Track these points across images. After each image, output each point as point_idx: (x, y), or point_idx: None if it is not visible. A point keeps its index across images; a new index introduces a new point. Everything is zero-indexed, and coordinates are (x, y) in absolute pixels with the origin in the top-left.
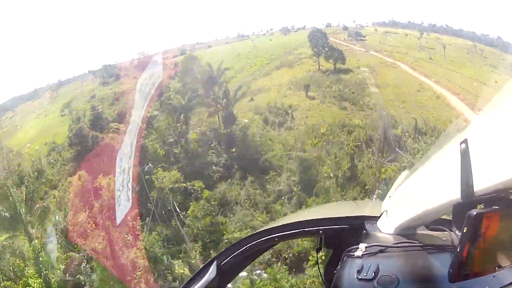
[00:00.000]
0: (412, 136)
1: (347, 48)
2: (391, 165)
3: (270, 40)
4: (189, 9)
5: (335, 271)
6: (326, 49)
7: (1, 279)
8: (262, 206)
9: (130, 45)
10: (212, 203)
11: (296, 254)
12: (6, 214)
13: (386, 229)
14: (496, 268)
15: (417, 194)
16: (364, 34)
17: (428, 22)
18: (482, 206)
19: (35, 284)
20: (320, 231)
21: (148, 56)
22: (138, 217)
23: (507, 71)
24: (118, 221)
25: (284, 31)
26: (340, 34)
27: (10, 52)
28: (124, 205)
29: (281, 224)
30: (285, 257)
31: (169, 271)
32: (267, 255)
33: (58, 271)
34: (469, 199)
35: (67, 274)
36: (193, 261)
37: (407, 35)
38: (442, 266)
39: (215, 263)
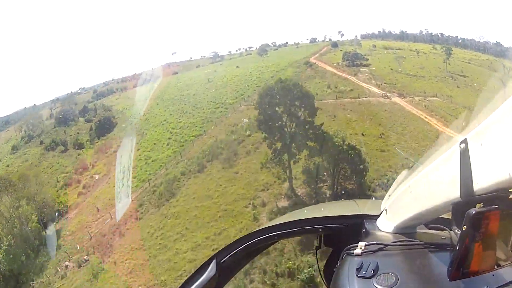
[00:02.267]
0: None
1: (350, 89)
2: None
3: (234, 76)
4: (160, 28)
5: (334, 269)
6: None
7: None
8: None
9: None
10: None
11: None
12: None
13: (385, 228)
14: (495, 266)
15: (416, 193)
16: (363, 54)
17: (421, 31)
18: (482, 205)
19: None
20: (320, 230)
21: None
22: None
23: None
24: (118, 217)
25: (262, 50)
26: (331, 54)
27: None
28: (124, 201)
29: (281, 222)
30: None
31: None
32: (266, 253)
33: None
34: (468, 198)
35: None
36: None
37: (417, 52)
38: (442, 264)
39: (215, 260)
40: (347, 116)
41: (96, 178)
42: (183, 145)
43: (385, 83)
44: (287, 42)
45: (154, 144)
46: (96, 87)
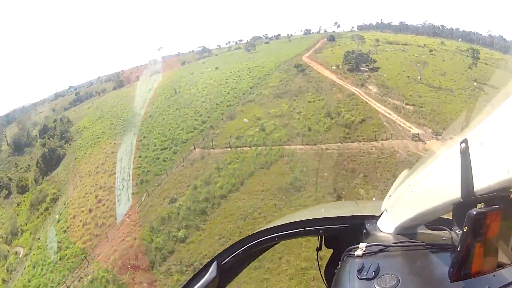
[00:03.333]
0: None
1: (361, 119)
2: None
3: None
4: (146, 20)
5: (335, 271)
6: None
7: None
8: None
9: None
10: None
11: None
12: None
13: (386, 229)
14: (497, 267)
15: (417, 193)
16: (368, 53)
17: (424, 22)
18: (482, 205)
19: None
20: (321, 231)
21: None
22: None
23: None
24: (119, 219)
25: (250, 45)
26: (327, 51)
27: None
28: (124, 203)
29: (281, 223)
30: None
31: None
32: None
33: None
34: (469, 198)
35: None
36: None
37: (429, 50)
38: (443, 265)
39: (215, 262)
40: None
41: (20, 255)
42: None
43: (407, 104)
44: (279, 34)
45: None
46: (80, 87)
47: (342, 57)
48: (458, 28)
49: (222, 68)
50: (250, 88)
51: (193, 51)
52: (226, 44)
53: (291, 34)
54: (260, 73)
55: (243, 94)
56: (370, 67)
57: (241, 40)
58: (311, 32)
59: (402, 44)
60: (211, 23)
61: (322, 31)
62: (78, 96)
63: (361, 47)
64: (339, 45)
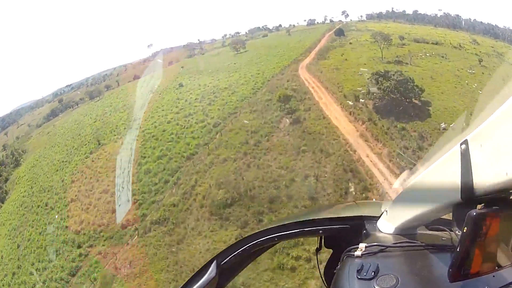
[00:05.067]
0: None
1: None
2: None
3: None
4: (136, 15)
5: (334, 271)
6: None
7: None
8: None
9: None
10: None
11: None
12: None
13: (386, 229)
14: (496, 267)
15: (417, 194)
16: (409, 79)
17: (438, 11)
18: (482, 206)
19: None
20: (320, 231)
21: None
22: None
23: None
24: (118, 220)
25: (238, 43)
26: (337, 54)
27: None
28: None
29: (281, 224)
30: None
31: None
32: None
33: None
34: (469, 199)
35: None
36: None
37: (480, 61)
38: (442, 265)
39: (215, 262)
40: None
41: None
42: None
43: None
44: (280, 25)
45: None
46: (62, 91)
47: (366, 82)
48: (476, 19)
49: (186, 85)
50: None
51: (184, 45)
52: (222, 37)
53: (294, 25)
54: (221, 113)
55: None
56: (415, 101)
57: (238, 33)
58: (316, 22)
59: (432, 44)
60: (206, 14)
61: (328, 21)
62: (48, 113)
63: (389, 51)
64: (350, 43)
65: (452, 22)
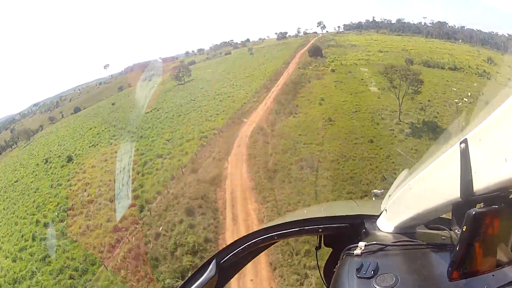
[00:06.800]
0: None
1: None
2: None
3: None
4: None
5: (334, 270)
6: None
7: None
8: None
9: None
10: None
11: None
12: None
13: (385, 228)
14: (496, 267)
15: (416, 192)
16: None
17: (423, 20)
18: (482, 205)
19: None
20: (320, 230)
21: None
22: None
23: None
24: (118, 218)
25: (184, 69)
26: (313, 93)
27: None
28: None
29: (280, 222)
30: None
31: None
32: (266, 253)
33: None
34: (468, 198)
35: None
36: None
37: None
38: (442, 264)
39: (214, 261)
40: None
41: None
42: None
43: None
44: (248, 40)
45: None
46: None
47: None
48: (463, 26)
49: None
50: None
51: (159, 58)
52: (186, 53)
53: (263, 39)
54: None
55: None
56: None
57: (201, 50)
58: (287, 35)
59: (450, 70)
60: (166, 29)
61: (300, 34)
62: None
63: (399, 74)
64: (333, 70)
65: (440, 31)
